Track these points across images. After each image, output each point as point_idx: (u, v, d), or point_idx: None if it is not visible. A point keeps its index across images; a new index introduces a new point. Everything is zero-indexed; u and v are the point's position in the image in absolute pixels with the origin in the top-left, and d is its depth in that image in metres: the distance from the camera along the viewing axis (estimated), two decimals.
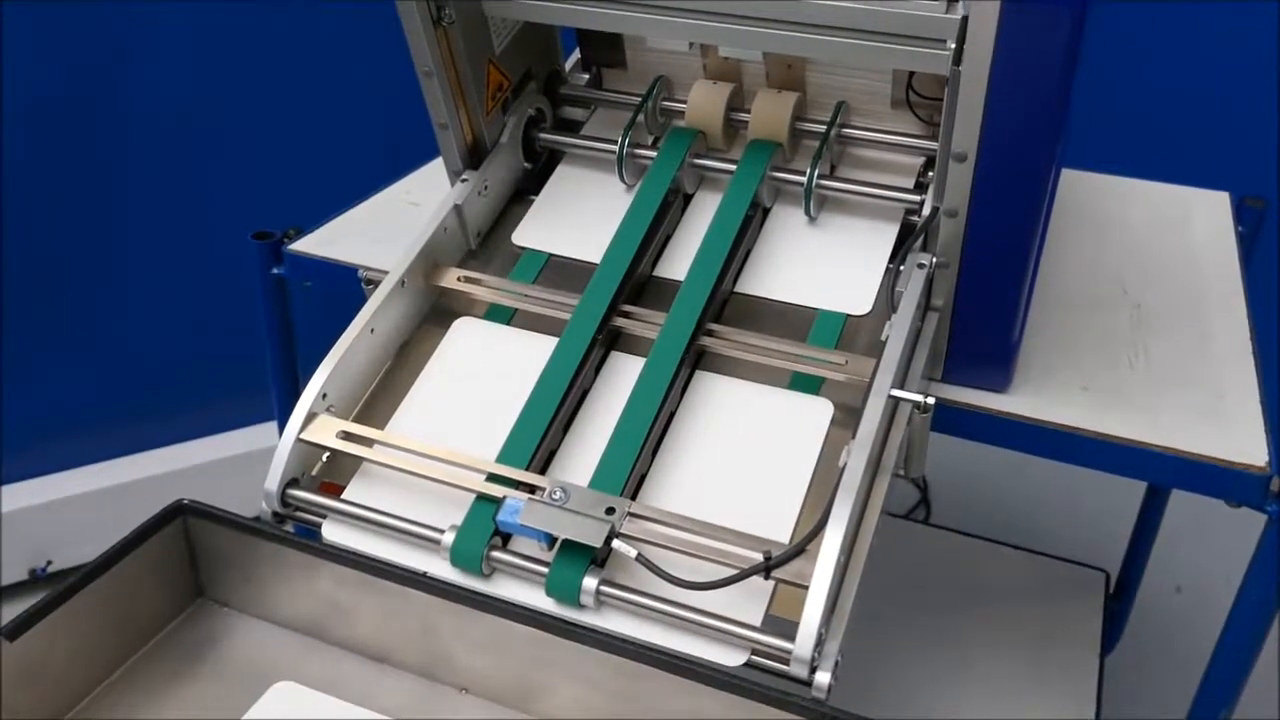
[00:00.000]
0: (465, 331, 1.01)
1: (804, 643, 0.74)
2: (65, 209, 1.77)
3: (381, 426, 0.94)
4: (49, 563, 1.88)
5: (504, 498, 0.83)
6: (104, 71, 1.71)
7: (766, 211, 1.08)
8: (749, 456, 0.89)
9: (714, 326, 0.97)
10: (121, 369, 1.89)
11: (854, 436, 0.82)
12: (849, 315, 0.98)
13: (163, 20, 1.71)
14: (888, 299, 0.94)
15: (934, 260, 0.93)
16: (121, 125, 1.75)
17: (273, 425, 1.34)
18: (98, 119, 1.74)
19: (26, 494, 1.87)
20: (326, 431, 0.89)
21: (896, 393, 0.85)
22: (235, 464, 1.96)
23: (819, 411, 0.91)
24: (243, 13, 1.73)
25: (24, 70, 1.64)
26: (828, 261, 1.03)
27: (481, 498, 0.85)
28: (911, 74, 1.04)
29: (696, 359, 0.96)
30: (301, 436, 0.89)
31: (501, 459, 0.87)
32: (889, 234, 1.03)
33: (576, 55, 1.21)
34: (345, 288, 1.13)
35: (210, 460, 1.97)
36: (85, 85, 1.71)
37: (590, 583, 0.80)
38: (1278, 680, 1.57)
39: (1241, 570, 0.95)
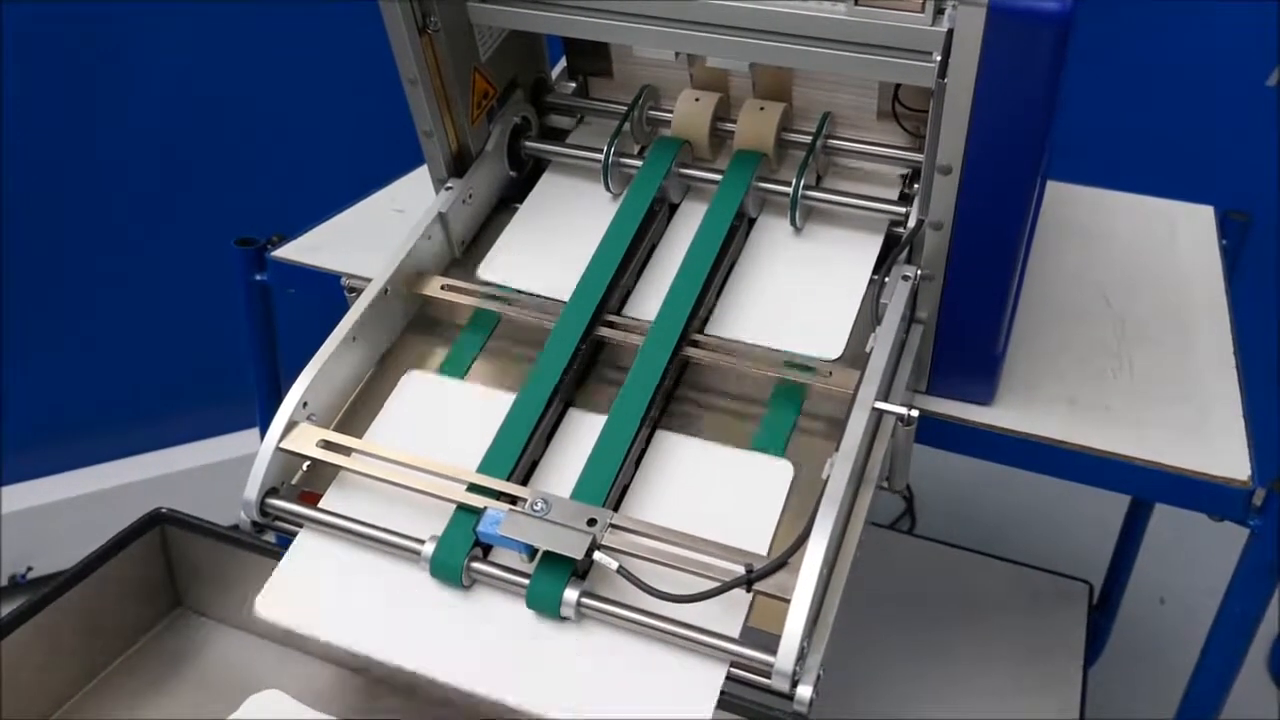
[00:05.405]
0: (417, 383, 0.98)
1: (786, 656, 0.73)
2: (46, 215, 1.76)
3: (362, 436, 0.93)
4: (29, 569, 1.87)
5: (485, 508, 0.83)
6: (93, 77, 1.70)
7: (752, 222, 1.08)
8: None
9: (699, 336, 0.96)
10: (103, 374, 1.88)
11: (838, 448, 0.82)
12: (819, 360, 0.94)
13: (155, 27, 1.70)
14: (872, 310, 0.94)
15: (919, 272, 0.93)
16: (104, 131, 1.74)
17: (255, 432, 1.33)
18: (79, 126, 1.73)
19: (7, 499, 1.86)
20: (307, 440, 0.89)
21: (881, 405, 0.85)
22: (219, 471, 1.95)
23: (781, 471, 0.89)
24: (229, 19, 1.72)
25: (15, 73, 1.64)
26: (806, 292, 1.00)
27: (462, 508, 0.84)
28: (898, 86, 1.04)
29: (682, 368, 0.96)
30: (281, 445, 0.88)
31: (483, 469, 0.86)
32: (873, 247, 1.03)
33: (563, 64, 1.21)
34: (328, 295, 1.13)
35: (193, 467, 1.96)
36: (75, 90, 1.70)
37: (571, 594, 0.79)
38: (1265, 689, 1.57)
39: (1224, 582, 0.95)
